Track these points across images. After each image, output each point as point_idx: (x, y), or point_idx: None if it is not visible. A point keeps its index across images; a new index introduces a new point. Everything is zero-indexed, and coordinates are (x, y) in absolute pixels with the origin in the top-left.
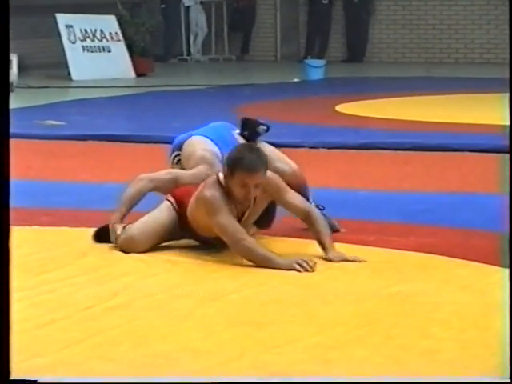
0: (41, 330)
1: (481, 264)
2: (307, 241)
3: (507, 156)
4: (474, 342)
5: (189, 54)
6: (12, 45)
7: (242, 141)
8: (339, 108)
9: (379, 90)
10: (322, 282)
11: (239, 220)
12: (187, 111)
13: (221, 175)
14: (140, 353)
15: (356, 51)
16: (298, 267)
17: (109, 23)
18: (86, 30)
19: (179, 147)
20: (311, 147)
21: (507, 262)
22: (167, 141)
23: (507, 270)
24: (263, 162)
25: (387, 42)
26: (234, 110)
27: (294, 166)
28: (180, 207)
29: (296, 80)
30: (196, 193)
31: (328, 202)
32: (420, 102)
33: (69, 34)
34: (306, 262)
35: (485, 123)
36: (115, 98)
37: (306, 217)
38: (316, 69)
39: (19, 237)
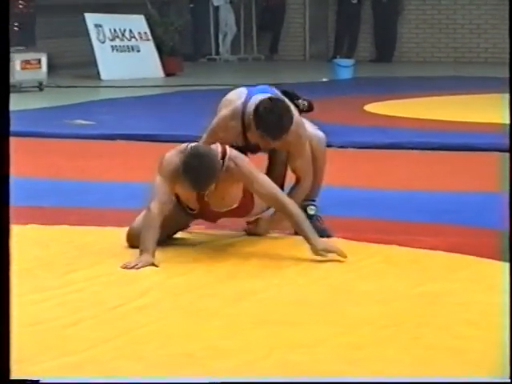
0: (69, 329)
1: (509, 264)
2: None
3: None
4: (501, 342)
5: (218, 53)
6: (41, 44)
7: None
8: (368, 107)
9: (408, 90)
10: (350, 282)
11: (199, 199)
12: (216, 110)
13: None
14: (167, 352)
15: (385, 51)
16: (128, 265)
17: (138, 23)
18: (115, 30)
19: None
20: (340, 147)
21: None
22: (196, 140)
23: None
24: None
25: (416, 42)
26: None
27: (322, 135)
28: None
29: (325, 79)
30: None
31: (356, 201)
32: (448, 101)
33: (98, 34)
34: (136, 264)
35: None
36: (144, 98)
37: (280, 207)
38: (345, 68)
39: (47, 236)
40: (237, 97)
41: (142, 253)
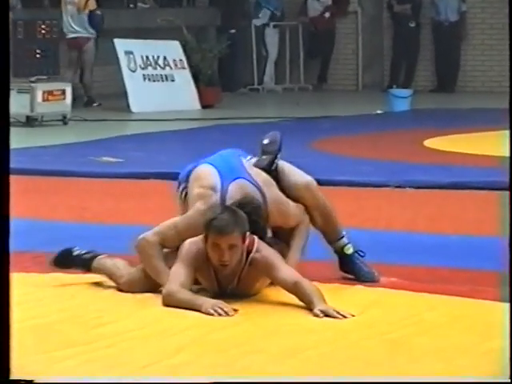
0: None
1: None
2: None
3: None
4: None
5: (260, 82)
6: (65, 73)
7: (252, 169)
8: (428, 143)
9: (472, 123)
10: (409, 337)
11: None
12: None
13: None
14: None
15: (446, 80)
16: (211, 311)
17: (173, 49)
18: (147, 57)
19: (186, 179)
20: (397, 186)
21: None
22: None
23: None
24: (237, 223)
25: (481, 70)
26: (311, 145)
27: (309, 178)
28: None
29: (379, 112)
30: None
31: (415, 247)
32: None
33: (128, 62)
34: (221, 308)
35: None
36: (179, 132)
37: (294, 288)
38: (402, 99)
39: (73, 286)
40: (209, 185)
41: (202, 306)
